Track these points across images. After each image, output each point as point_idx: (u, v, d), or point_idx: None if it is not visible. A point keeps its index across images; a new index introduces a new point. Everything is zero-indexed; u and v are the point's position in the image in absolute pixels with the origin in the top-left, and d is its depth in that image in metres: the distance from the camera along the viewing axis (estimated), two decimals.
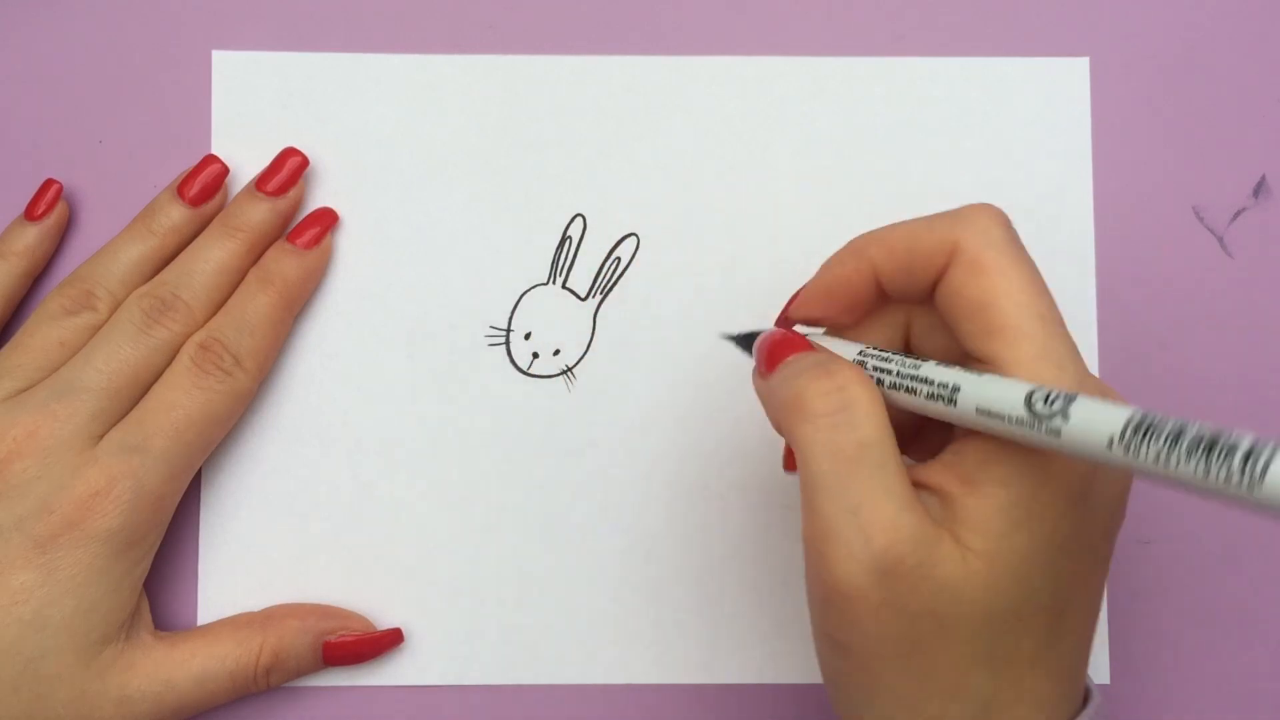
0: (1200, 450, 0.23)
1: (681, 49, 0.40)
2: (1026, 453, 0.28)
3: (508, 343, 0.39)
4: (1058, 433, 0.25)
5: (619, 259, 0.39)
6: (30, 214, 0.38)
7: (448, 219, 0.39)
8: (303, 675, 0.38)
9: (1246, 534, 0.39)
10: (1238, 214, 0.40)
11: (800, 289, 0.32)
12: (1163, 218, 0.39)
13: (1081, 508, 0.28)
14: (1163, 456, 0.24)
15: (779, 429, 0.30)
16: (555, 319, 0.39)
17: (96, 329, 0.36)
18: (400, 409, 0.39)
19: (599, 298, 0.39)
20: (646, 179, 0.39)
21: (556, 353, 0.39)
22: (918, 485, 0.29)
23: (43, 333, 0.36)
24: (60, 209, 0.38)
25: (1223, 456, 0.23)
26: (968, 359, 0.29)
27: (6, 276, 0.38)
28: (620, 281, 0.39)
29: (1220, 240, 0.39)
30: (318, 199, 0.39)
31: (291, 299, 0.37)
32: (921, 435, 0.32)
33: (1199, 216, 0.40)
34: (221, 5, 0.39)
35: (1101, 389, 0.28)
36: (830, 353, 0.30)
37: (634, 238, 0.39)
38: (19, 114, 0.39)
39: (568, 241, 0.39)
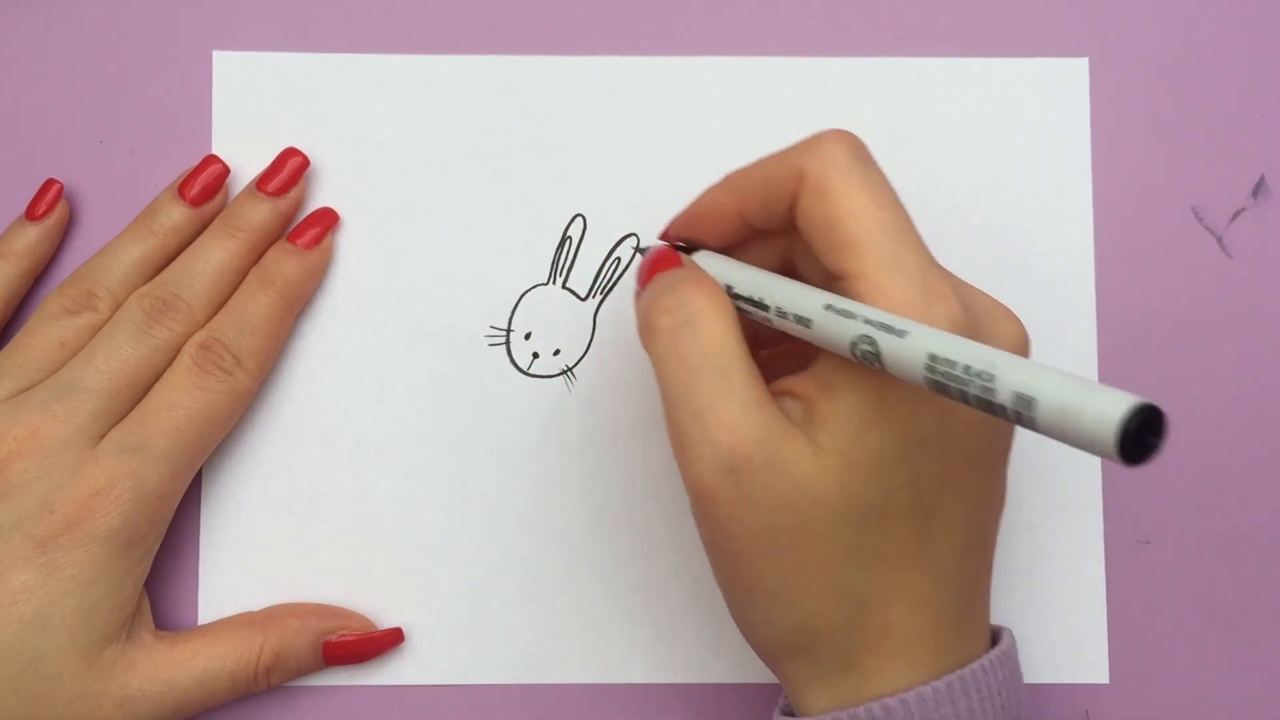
0: (983, 405, 0.25)
1: (681, 49, 0.40)
2: None
3: (508, 343, 0.39)
4: (878, 360, 0.27)
5: (619, 259, 0.39)
6: (31, 214, 0.38)
7: (448, 219, 0.39)
8: (303, 675, 0.38)
9: (1246, 534, 0.39)
10: (1237, 214, 0.40)
11: (676, 214, 0.34)
12: (1162, 218, 0.39)
13: (937, 406, 0.29)
14: (959, 399, 0.25)
15: (643, 347, 0.31)
16: (555, 319, 0.39)
17: (97, 329, 0.36)
18: (400, 409, 0.39)
19: (599, 298, 0.39)
20: (646, 179, 0.39)
21: (556, 353, 0.39)
22: (784, 393, 0.30)
23: (43, 333, 0.36)
24: (61, 209, 0.38)
25: (1000, 412, 0.24)
26: (830, 277, 0.30)
27: (7, 276, 0.38)
28: (620, 281, 0.39)
29: (1219, 240, 0.39)
30: (318, 199, 0.39)
31: (292, 299, 0.37)
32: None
33: (1198, 217, 0.40)
34: (222, 5, 0.40)
35: (951, 285, 0.29)
36: (689, 270, 0.32)
37: (634, 237, 0.39)
38: (19, 114, 0.39)
39: (568, 241, 0.39)
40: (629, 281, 0.39)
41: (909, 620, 0.30)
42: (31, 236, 0.38)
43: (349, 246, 0.39)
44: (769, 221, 0.31)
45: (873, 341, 0.27)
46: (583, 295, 0.39)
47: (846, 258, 0.29)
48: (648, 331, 0.31)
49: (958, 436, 0.30)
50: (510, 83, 0.39)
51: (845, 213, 0.29)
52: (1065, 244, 0.39)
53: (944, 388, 0.26)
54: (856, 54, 0.40)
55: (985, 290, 0.31)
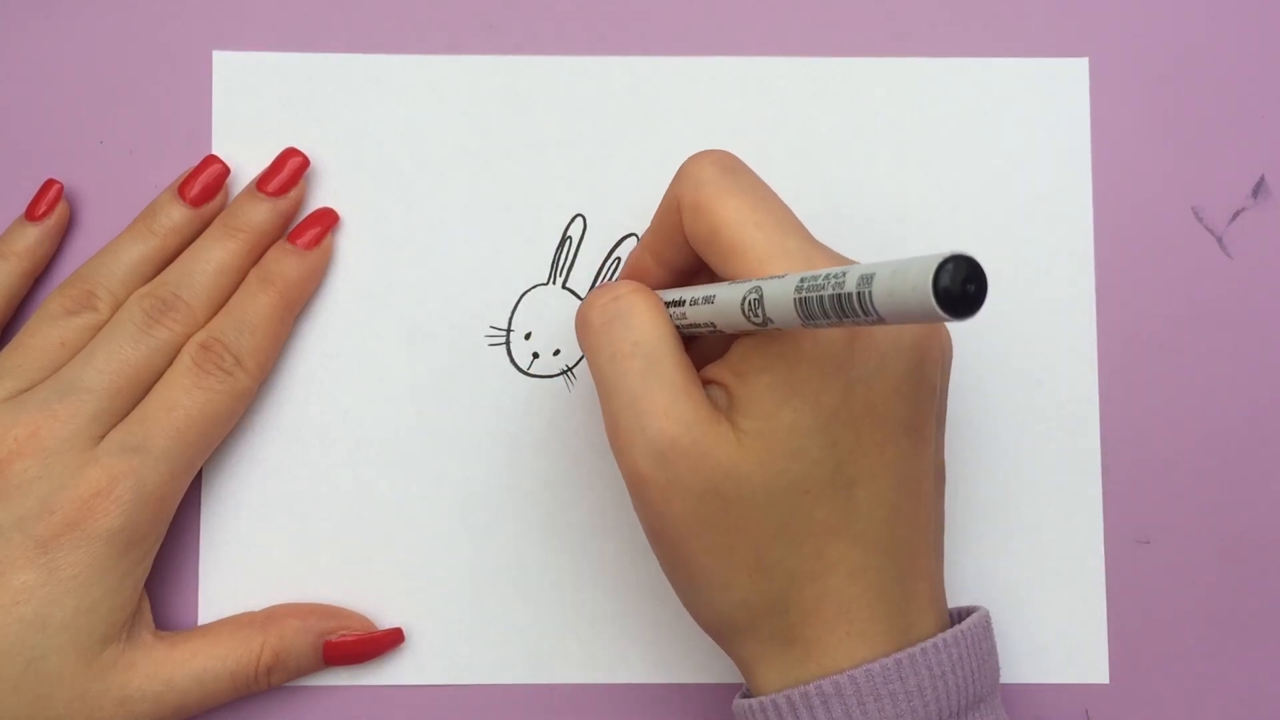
0: (838, 308, 0.25)
1: (682, 49, 0.40)
2: (781, 339, 0.30)
3: (508, 343, 0.39)
4: (762, 323, 0.28)
5: (619, 259, 0.39)
6: (31, 214, 0.38)
7: (448, 219, 0.39)
8: (303, 675, 0.38)
9: (1246, 534, 0.39)
10: (1237, 214, 0.40)
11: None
12: (1162, 218, 0.39)
13: (844, 377, 0.30)
14: (827, 323, 0.26)
15: (580, 347, 0.33)
16: (555, 319, 0.39)
17: (97, 329, 0.36)
18: (400, 409, 0.39)
19: None
20: (646, 179, 0.39)
21: (557, 353, 0.39)
22: (710, 382, 0.32)
23: (44, 333, 0.36)
24: (61, 209, 0.38)
25: (849, 306, 0.25)
26: None
27: (7, 277, 0.38)
28: None
29: (1219, 240, 0.40)
30: (318, 199, 0.39)
31: (292, 299, 0.37)
32: None
33: (1198, 217, 0.40)
34: (222, 5, 0.40)
35: (833, 257, 0.30)
36: (622, 278, 0.34)
37: (634, 238, 0.39)
38: (20, 114, 0.39)
39: (568, 241, 0.39)
40: None
41: (844, 590, 0.31)
42: (31, 236, 0.38)
43: (349, 246, 0.39)
44: (682, 260, 0.33)
45: (757, 289, 0.28)
46: (583, 295, 0.39)
47: (734, 261, 0.30)
48: (582, 327, 0.32)
49: (870, 408, 0.30)
50: (510, 83, 0.39)
51: (721, 221, 0.31)
52: (1065, 244, 0.39)
53: (808, 304, 0.26)
54: (856, 54, 0.40)
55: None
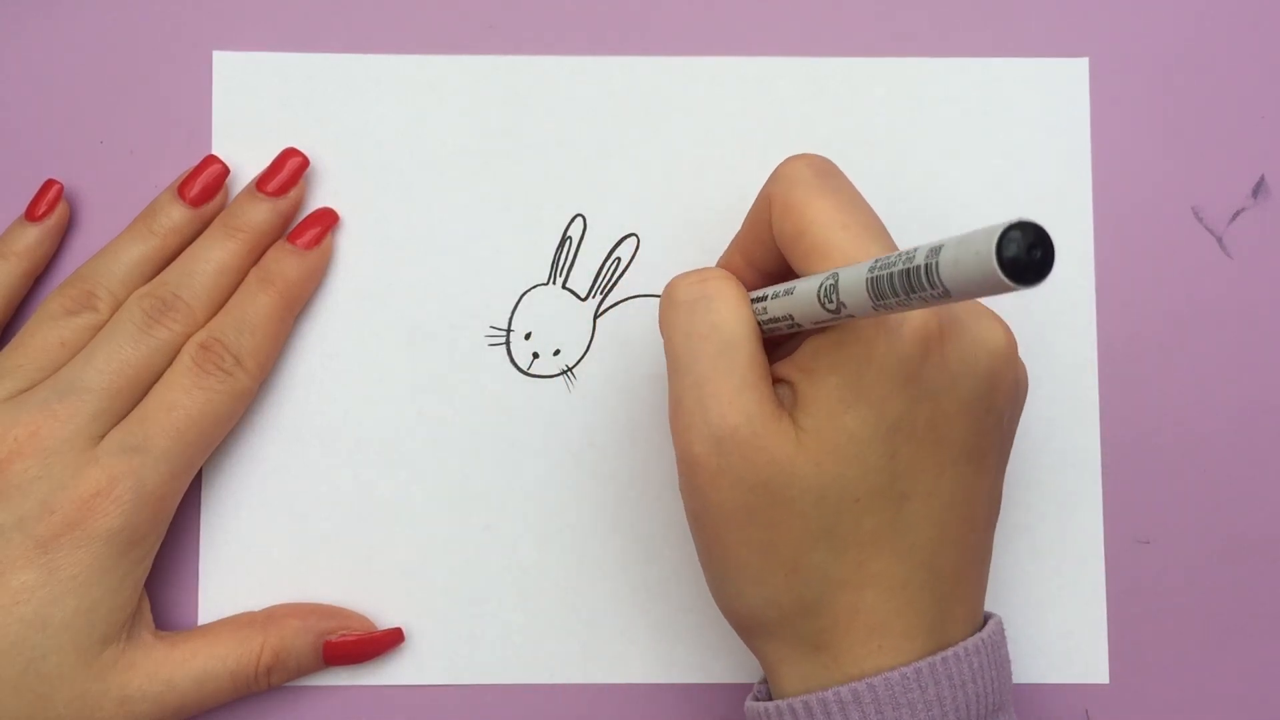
0: (907, 283, 0.25)
1: (682, 49, 0.40)
2: (854, 341, 0.30)
3: (508, 343, 0.39)
4: (836, 309, 0.28)
5: (619, 259, 0.39)
6: (31, 214, 0.38)
7: (448, 219, 0.39)
8: (303, 675, 0.38)
9: (1246, 534, 0.39)
10: (1237, 214, 0.40)
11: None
12: (1162, 218, 0.39)
13: (912, 389, 0.30)
14: (896, 301, 0.26)
15: (660, 329, 0.33)
16: (555, 319, 0.39)
17: (97, 329, 0.36)
18: (400, 409, 0.39)
19: (599, 298, 0.39)
20: (646, 179, 0.39)
21: (556, 353, 0.39)
22: (777, 379, 0.32)
23: (43, 333, 0.36)
24: (61, 209, 0.38)
25: (916, 280, 0.25)
26: None
27: (7, 277, 0.38)
28: (620, 281, 0.39)
29: (1219, 240, 0.39)
30: (318, 199, 0.39)
31: (292, 299, 0.37)
32: None
33: (1198, 217, 0.40)
34: (222, 5, 0.40)
35: None
36: (715, 267, 0.34)
37: (634, 238, 0.39)
38: (19, 114, 0.39)
39: (568, 241, 0.39)
40: (629, 282, 0.39)
41: (880, 604, 0.31)
42: (31, 236, 0.38)
43: (349, 246, 0.39)
44: (770, 260, 0.33)
45: (834, 275, 0.28)
46: (583, 295, 0.39)
47: (816, 261, 0.30)
48: (666, 302, 0.32)
49: (934, 425, 0.30)
50: (510, 83, 0.39)
51: (809, 221, 0.31)
52: (1065, 244, 0.39)
53: (879, 284, 0.26)
54: (856, 54, 0.40)
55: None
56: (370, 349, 0.39)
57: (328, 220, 0.38)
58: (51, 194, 0.38)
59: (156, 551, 0.36)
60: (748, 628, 0.32)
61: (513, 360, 0.39)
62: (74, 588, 0.33)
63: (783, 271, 0.33)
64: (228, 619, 0.37)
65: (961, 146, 0.39)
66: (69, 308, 0.36)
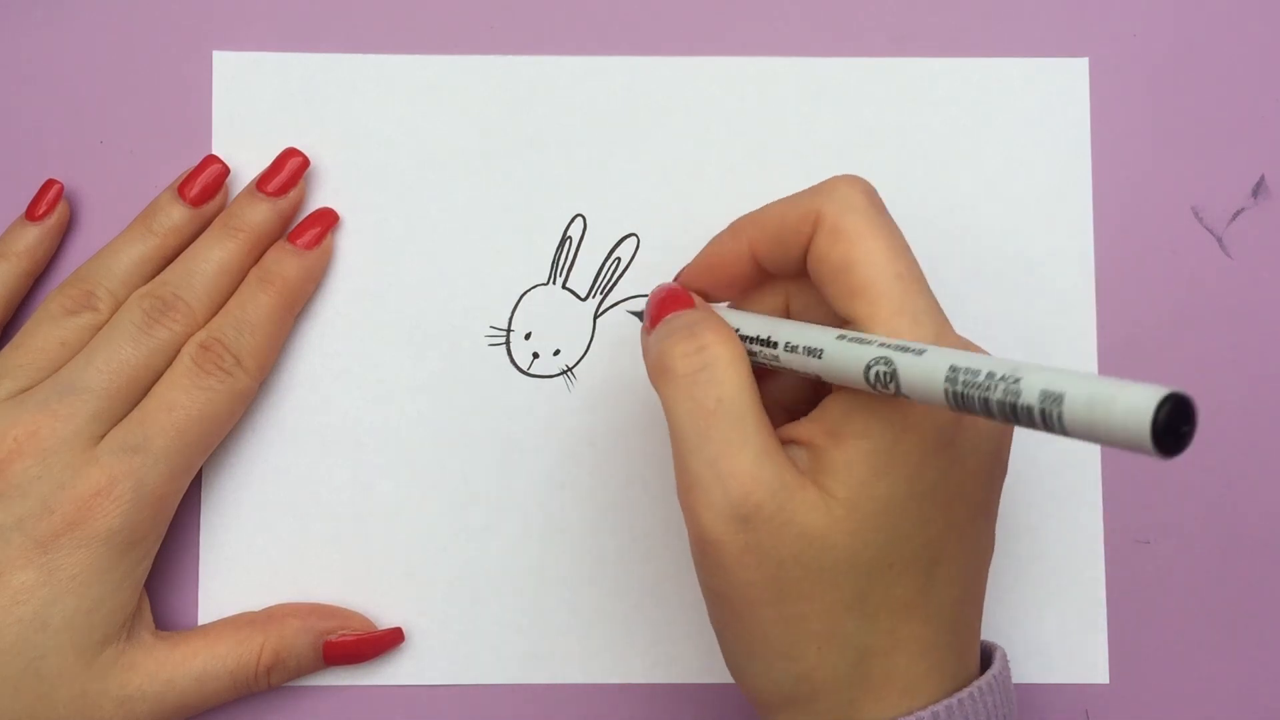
0: (1008, 412, 0.25)
1: (681, 49, 0.40)
2: (886, 404, 0.29)
3: (508, 343, 0.39)
4: (894, 393, 0.27)
5: (619, 259, 0.39)
6: (31, 214, 0.38)
7: (448, 219, 0.39)
8: (303, 675, 0.38)
9: (1246, 534, 0.39)
10: (1237, 214, 0.40)
11: (685, 265, 0.34)
12: (1162, 218, 0.39)
13: (946, 454, 0.29)
14: (980, 409, 0.25)
15: (653, 386, 0.31)
16: (555, 319, 0.39)
17: (97, 329, 0.36)
18: (400, 409, 0.39)
19: (599, 298, 0.39)
20: (646, 179, 0.39)
21: (557, 353, 0.39)
22: (791, 441, 0.30)
23: (43, 333, 0.36)
24: (61, 209, 0.38)
25: (1024, 415, 0.24)
26: (838, 322, 0.30)
27: (7, 277, 0.38)
28: (620, 281, 0.39)
29: (1219, 240, 0.39)
30: (318, 199, 0.39)
31: (292, 299, 0.37)
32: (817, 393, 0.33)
33: (1198, 217, 0.40)
34: (222, 5, 0.40)
35: (962, 344, 0.29)
36: (704, 313, 0.32)
37: (634, 238, 0.39)
38: (20, 114, 0.39)
39: (568, 241, 0.39)
40: (629, 282, 0.39)
41: (912, 668, 0.30)
42: (31, 236, 0.38)
43: (349, 246, 0.39)
44: (781, 264, 0.31)
45: (888, 361, 0.27)
46: (583, 295, 0.39)
47: (860, 303, 0.29)
48: (663, 374, 0.30)
49: (962, 485, 0.30)
50: (510, 83, 0.39)
51: (860, 257, 0.29)
52: (1065, 244, 0.39)
53: (965, 399, 0.25)
54: (856, 54, 0.40)
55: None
56: (370, 349, 0.39)
57: (328, 220, 0.38)
58: (51, 194, 0.38)
59: (156, 551, 0.36)
60: (772, 704, 0.31)
61: (513, 360, 0.39)
62: (74, 588, 0.33)
63: (789, 274, 0.32)
64: (228, 619, 0.37)
65: (961, 146, 0.39)
66: (69, 308, 0.36)
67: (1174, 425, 0.22)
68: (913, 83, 0.40)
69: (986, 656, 0.33)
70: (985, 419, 0.28)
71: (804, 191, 0.31)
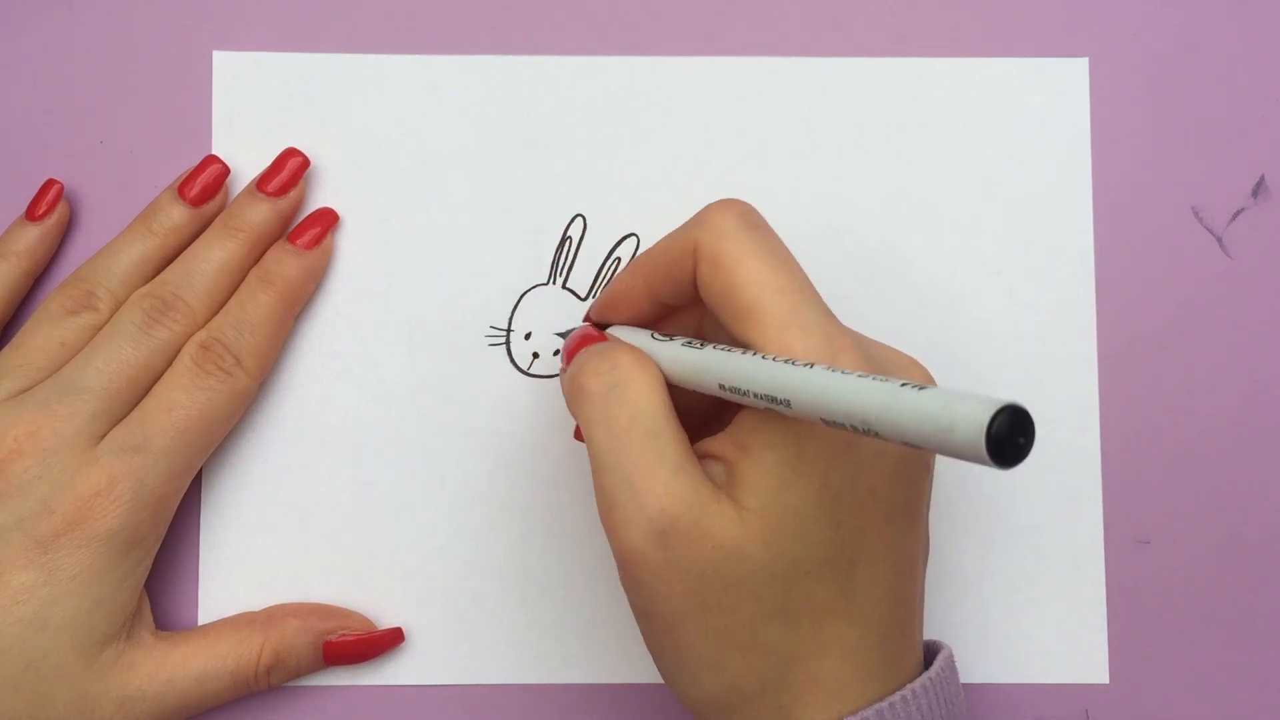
0: (870, 432, 0.25)
1: (681, 49, 0.40)
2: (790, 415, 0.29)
3: (508, 343, 0.39)
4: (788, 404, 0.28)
5: (619, 259, 0.39)
6: (31, 214, 0.38)
7: (448, 219, 0.39)
8: (303, 675, 0.38)
9: (1246, 534, 0.39)
10: (1237, 214, 0.40)
11: (591, 303, 0.35)
12: (1162, 218, 0.39)
13: (851, 459, 0.29)
14: (857, 433, 0.26)
15: (571, 414, 0.32)
16: (555, 319, 0.39)
17: (97, 329, 0.36)
18: (400, 409, 0.39)
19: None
20: (646, 179, 0.39)
21: (557, 353, 0.39)
22: (707, 455, 0.31)
23: (44, 333, 0.36)
24: (61, 209, 0.38)
25: (885, 435, 0.25)
26: (739, 343, 0.30)
27: (7, 277, 0.38)
28: None
29: (1219, 240, 0.39)
30: (318, 199, 0.39)
31: (292, 299, 0.37)
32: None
33: (1198, 217, 0.40)
34: (222, 5, 0.40)
35: (851, 338, 0.30)
36: (615, 340, 0.33)
37: (634, 238, 0.39)
38: (20, 114, 0.39)
39: (568, 241, 0.39)
40: None
41: (838, 671, 0.30)
42: (31, 236, 0.38)
43: (349, 246, 0.39)
44: (676, 297, 0.32)
45: (786, 403, 0.28)
46: (583, 295, 0.39)
47: (748, 324, 0.30)
48: (576, 395, 0.31)
49: (873, 489, 0.30)
50: (510, 83, 0.39)
51: (740, 280, 0.30)
52: (1065, 244, 0.39)
53: (836, 426, 0.26)
54: (856, 54, 0.40)
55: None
56: (370, 349, 0.39)
57: (328, 220, 0.38)
58: (51, 194, 0.38)
59: (156, 551, 0.36)
60: (708, 714, 0.31)
61: (513, 360, 0.39)
62: (74, 588, 0.33)
63: (686, 306, 0.33)
64: (228, 619, 0.37)
65: (961, 146, 0.39)
66: (69, 308, 0.36)
67: (1011, 437, 0.23)
68: (913, 83, 0.40)
69: (933, 657, 0.33)
70: None
71: (683, 225, 0.32)
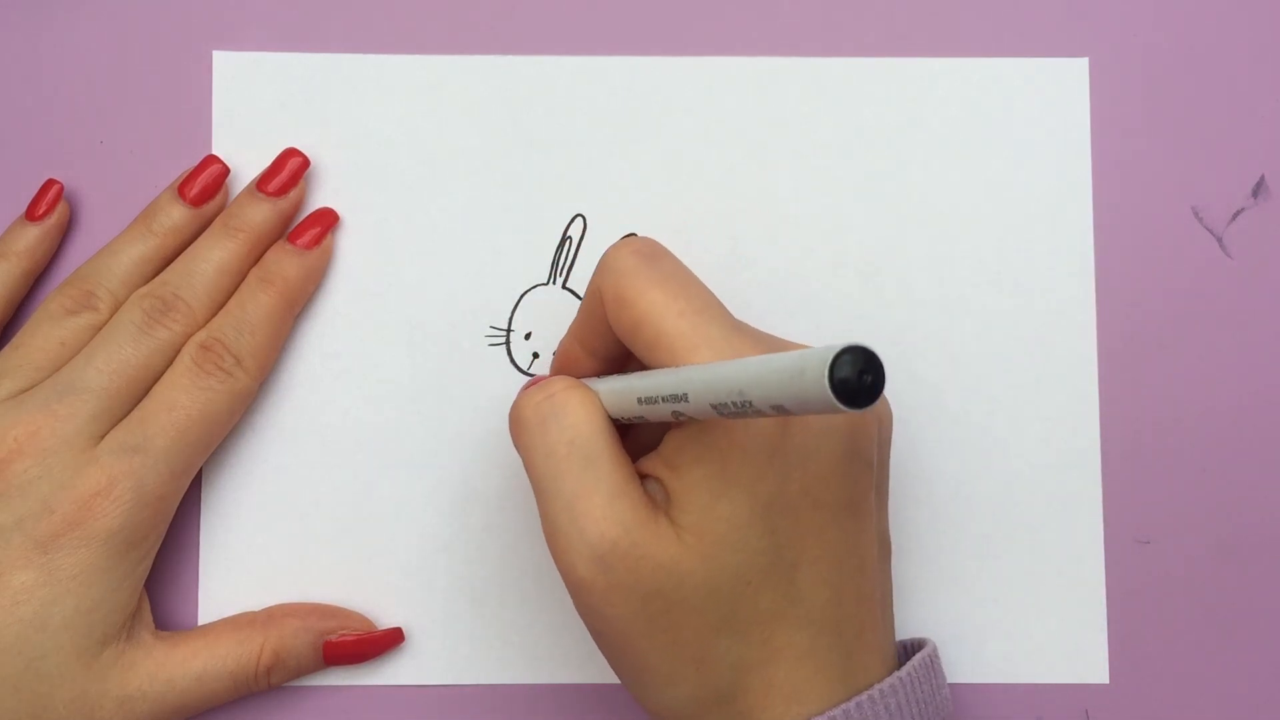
0: (747, 413, 0.26)
1: (682, 49, 0.40)
2: (713, 429, 0.30)
3: (508, 343, 0.39)
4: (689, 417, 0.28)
5: None
6: (31, 214, 0.38)
7: (448, 219, 0.39)
8: (303, 675, 0.38)
9: (1246, 534, 0.39)
10: (1237, 214, 0.40)
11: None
12: (1162, 218, 0.39)
13: (777, 464, 0.30)
14: (745, 417, 0.26)
15: (514, 446, 0.33)
16: (555, 319, 0.39)
17: (97, 329, 0.36)
18: (400, 409, 0.39)
19: None
20: (646, 179, 0.39)
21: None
22: (645, 476, 0.31)
23: (43, 333, 0.36)
24: (61, 209, 0.38)
25: (761, 411, 0.25)
26: None
27: (7, 277, 0.38)
28: None
29: (1219, 240, 0.40)
30: (318, 199, 0.39)
31: (292, 299, 0.37)
32: None
33: (1198, 217, 0.40)
34: (222, 5, 0.40)
35: (753, 341, 0.30)
36: (554, 375, 0.34)
37: (634, 237, 0.39)
38: (20, 114, 0.39)
39: (568, 241, 0.39)
40: None
41: (793, 674, 0.31)
42: (32, 237, 0.38)
43: (349, 246, 0.39)
44: (611, 348, 0.33)
45: (684, 400, 0.28)
46: (583, 296, 0.39)
47: (659, 352, 0.30)
48: (516, 424, 0.32)
49: (806, 491, 0.30)
50: (510, 83, 0.39)
51: (643, 312, 0.31)
52: (1065, 244, 0.39)
53: (725, 412, 0.27)
54: (856, 54, 0.40)
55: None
56: (370, 349, 0.39)
57: (328, 220, 0.38)
58: (51, 194, 0.38)
59: (156, 551, 0.36)
60: None
61: (513, 360, 0.39)
62: (74, 588, 0.33)
63: (624, 355, 0.33)
64: (228, 619, 0.37)
65: (961, 146, 0.39)
66: (69, 307, 0.36)
67: (857, 376, 0.23)
68: (913, 83, 0.40)
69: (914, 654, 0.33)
70: (813, 425, 0.30)
71: (591, 279, 0.33)
